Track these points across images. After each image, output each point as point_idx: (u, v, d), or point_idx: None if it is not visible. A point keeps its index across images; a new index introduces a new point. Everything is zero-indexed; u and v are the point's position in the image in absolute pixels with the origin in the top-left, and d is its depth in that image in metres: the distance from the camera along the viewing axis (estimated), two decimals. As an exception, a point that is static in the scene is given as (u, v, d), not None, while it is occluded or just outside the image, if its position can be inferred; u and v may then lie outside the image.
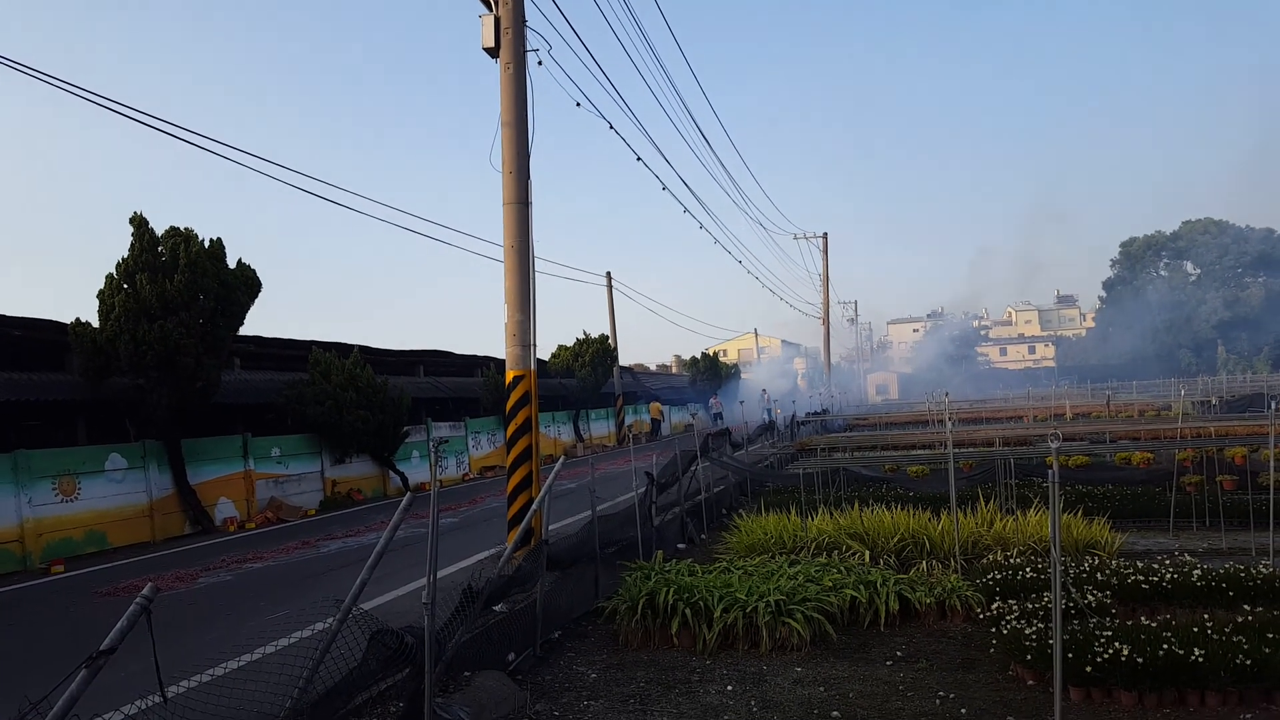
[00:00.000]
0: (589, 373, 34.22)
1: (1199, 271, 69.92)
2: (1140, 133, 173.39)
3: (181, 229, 15.13)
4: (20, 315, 15.33)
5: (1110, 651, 5.16)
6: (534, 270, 10.05)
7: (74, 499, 13.87)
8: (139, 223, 14.80)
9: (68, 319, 14.97)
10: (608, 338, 36.19)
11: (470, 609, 5.24)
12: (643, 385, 46.43)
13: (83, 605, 9.92)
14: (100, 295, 14.69)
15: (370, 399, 19.75)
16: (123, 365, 14.51)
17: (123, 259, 14.70)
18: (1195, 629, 5.43)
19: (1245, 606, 6.19)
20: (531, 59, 10.15)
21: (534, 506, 6.78)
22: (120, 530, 14.56)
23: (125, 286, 14.59)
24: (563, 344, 35.42)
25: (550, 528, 7.14)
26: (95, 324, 14.72)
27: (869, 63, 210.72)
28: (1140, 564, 7.25)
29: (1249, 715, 4.91)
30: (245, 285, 15.96)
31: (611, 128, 14.82)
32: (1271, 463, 9.32)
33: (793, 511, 10.30)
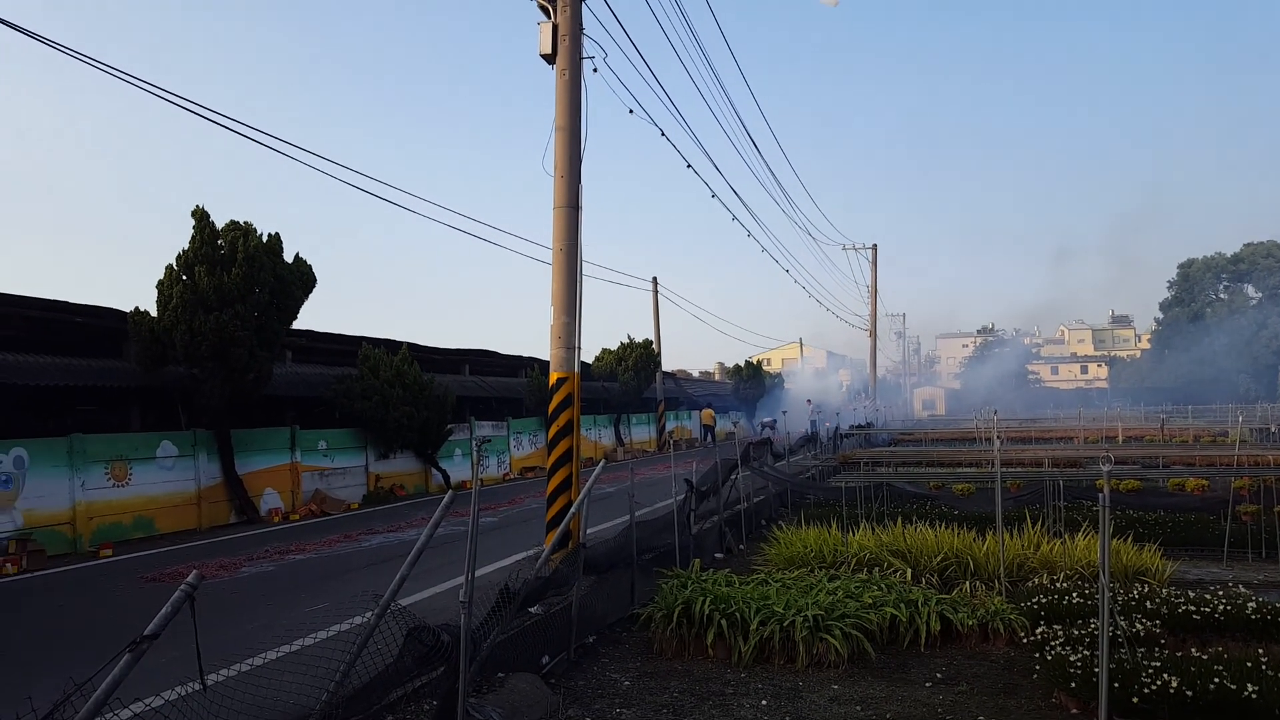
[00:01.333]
0: (631, 377, 34.25)
1: (1260, 295, 67.76)
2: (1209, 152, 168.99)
3: (241, 223, 15.48)
4: (81, 302, 15.83)
5: (1159, 683, 5.00)
6: (581, 274, 10.08)
7: (125, 484, 14.23)
8: (200, 216, 15.18)
9: (128, 308, 15.41)
10: (651, 343, 36.20)
11: (506, 610, 5.26)
12: (685, 391, 46.37)
13: (128, 590, 10.17)
14: (159, 285, 15.08)
15: (416, 396, 20.00)
16: (178, 354, 14.88)
17: (183, 251, 15.08)
18: (1249, 663, 5.23)
19: (1303, 643, 5.97)
20: (586, 65, 10.20)
21: (573, 509, 6.78)
22: (168, 517, 14.91)
23: (184, 278, 14.96)
24: (606, 347, 35.54)
25: (588, 531, 7.15)
26: (153, 313, 15.11)
27: (923, 82, 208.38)
28: (1192, 594, 7.02)
29: (1304, 756, 4.73)
30: (300, 280, 16.27)
31: (664, 135, 14.89)
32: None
33: (833, 525, 10.18)
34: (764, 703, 5.70)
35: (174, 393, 16.24)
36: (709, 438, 38.77)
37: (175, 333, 14.67)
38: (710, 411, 40.60)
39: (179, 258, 15.05)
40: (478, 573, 9.59)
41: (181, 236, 15.35)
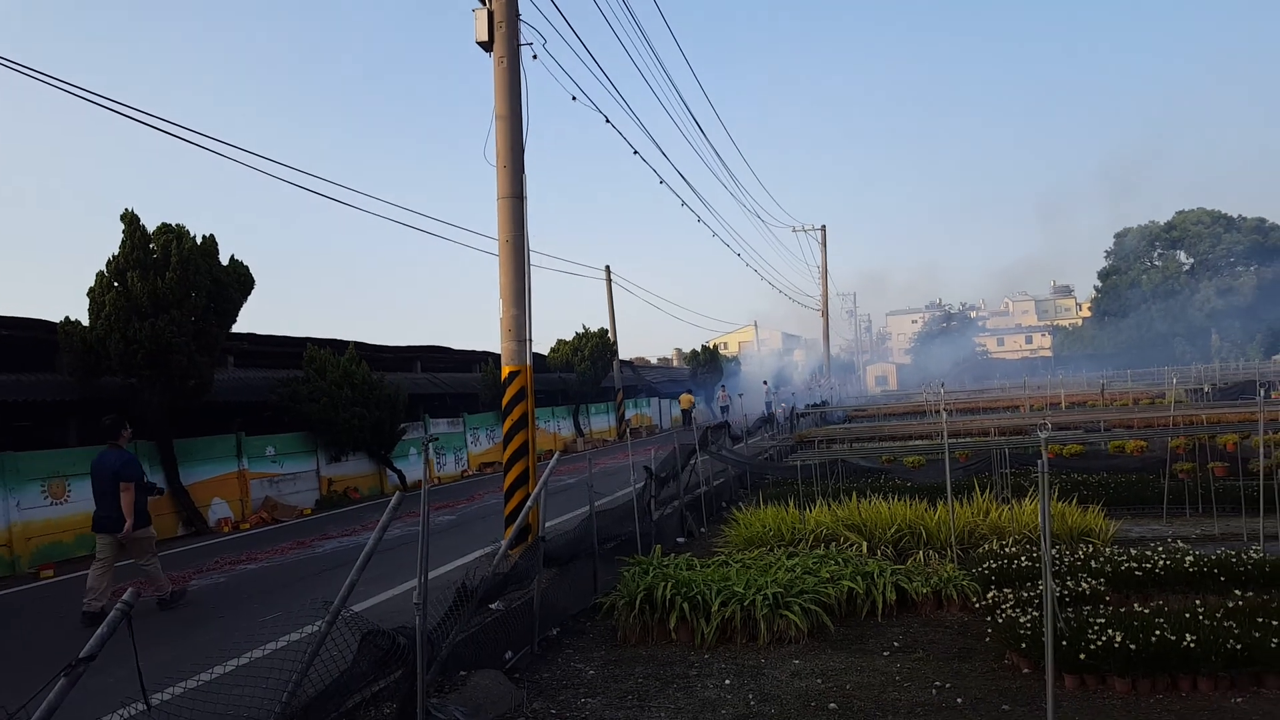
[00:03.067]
0: (588, 367, 34.16)
1: (1192, 261, 70.04)
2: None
3: (173, 226, 15.02)
4: (8, 315, 15.25)
5: (1104, 639, 5.17)
6: (529, 265, 9.99)
7: (64, 501, 13.78)
8: (130, 219, 14.70)
9: (57, 318, 14.90)
10: (607, 331, 36.13)
11: (465, 608, 5.21)
12: (643, 379, 46.43)
13: (71, 611, 9.83)
14: (90, 293, 14.58)
15: (366, 396, 19.68)
16: (113, 364, 14.42)
17: (113, 256, 14.58)
18: (1187, 615, 5.44)
19: (1236, 591, 6.20)
20: (526, 53, 10.07)
21: (529, 503, 6.74)
22: (115, 531, 14.48)
23: (116, 284, 14.48)
24: (562, 338, 35.35)
25: (548, 524, 7.11)
26: (85, 323, 14.62)
27: (863, 60, 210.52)
28: (1134, 551, 7.26)
29: (1239, 699, 4.92)
30: (238, 282, 15.87)
31: (608, 121, 14.75)
32: (1261, 449, 9.35)
33: (791, 504, 10.30)
34: (727, 681, 5.75)
35: (112, 404, 15.75)
36: (688, 421, 39.38)
37: (109, 342, 14.21)
38: (689, 396, 42.29)
39: (109, 263, 14.55)
40: (436, 572, 9.52)
41: (111, 242, 14.86)
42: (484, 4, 9.84)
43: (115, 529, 8.91)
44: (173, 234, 14.87)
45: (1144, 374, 43.79)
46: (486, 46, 9.89)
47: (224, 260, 15.69)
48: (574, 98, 13.28)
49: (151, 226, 14.90)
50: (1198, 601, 5.83)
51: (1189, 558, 6.89)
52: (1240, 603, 5.74)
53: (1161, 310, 67.80)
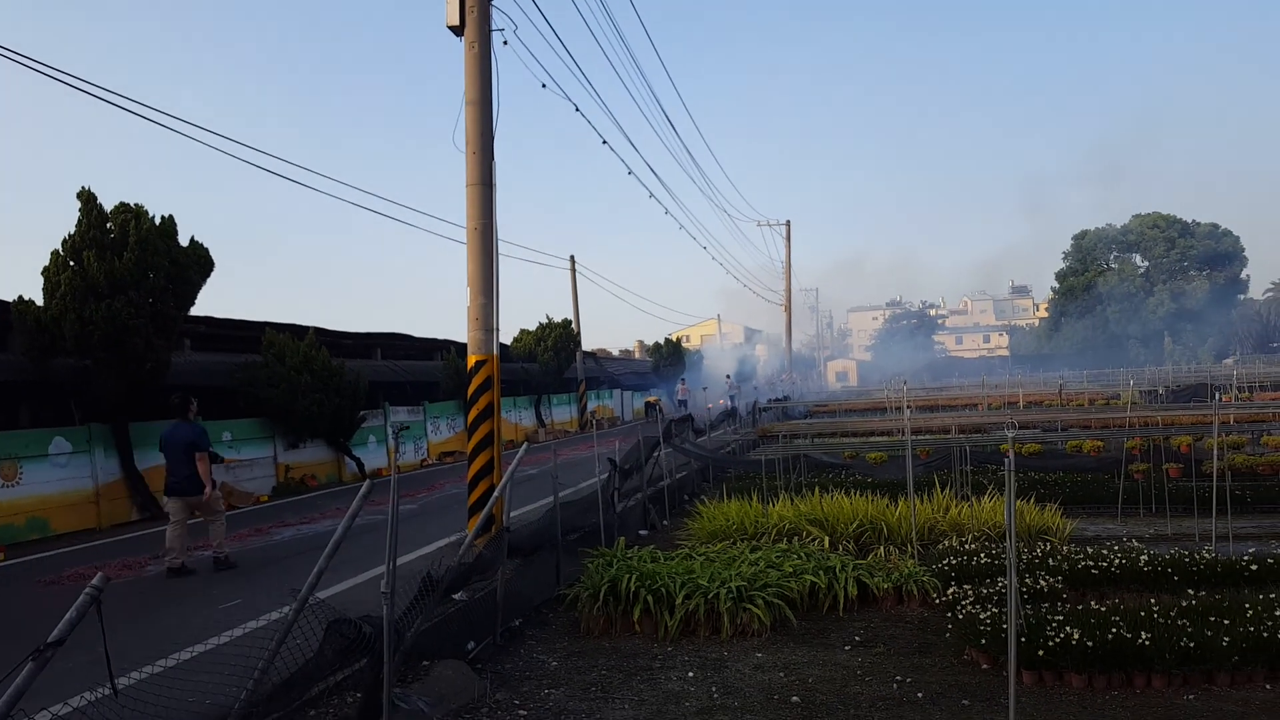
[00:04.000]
0: (551, 357, 34.06)
1: (1147, 264, 71.65)
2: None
3: (131, 205, 14.68)
4: (-41, 293, 14.81)
5: (1061, 636, 5.27)
6: (498, 253, 9.93)
7: (15, 484, 13.45)
8: (87, 198, 14.33)
9: (10, 296, 14.49)
10: (571, 322, 36.04)
11: (430, 597, 5.18)
12: (606, 370, 46.42)
13: (25, 594, 9.63)
14: (45, 272, 14.20)
15: (326, 382, 19.42)
16: (68, 345, 14.07)
17: (69, 235, 14.21)
18: (1142, 613, 5.57)
19: (1190, 591, 6.37)
20: (497, 38, 9.99)
21: (495, 494, 6.71)
22: (65, 516, 14.17)
23: (72, 264, 14.12)
24: (525, 328, 35.24)
25: (512, 514, 7.10)
26: (39, 302, 14.25)
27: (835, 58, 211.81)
28: (1090, 550, 7.42)
29: (1191, 696, 5.06)
30: (197, 264, 15.55)
31: (578, 110, 14.73)
32: (1215, 451, 9.59)
33: (754, 498, 10.36)
34: (690, 674, 5.78)
35: (66, 386, 15.37)
36: (652, 413, 39.87)
37: (64, 322, 13.85)
38: (656, 398, 44.53)
39: (65, 242, 14.18)
40: (400, 561, 9.43)
41: (67, 221, 14.50)
42: (456, -13, 9.74)
43: (186, 492, 9.85)
44: (131, 214, 14.53)
45: (1099, 375, 44.72)
46: (458, 31, 9.79)
47: (183, 241, 15.37)
48: (544, 85, 13.24)
49: (110, 206, 14.55)
50: (1152, 600, 5.97)
51: (1144, 557, 7.05)
52: (1193, 602, 5.87)
53: (1117, 313, 69.33)
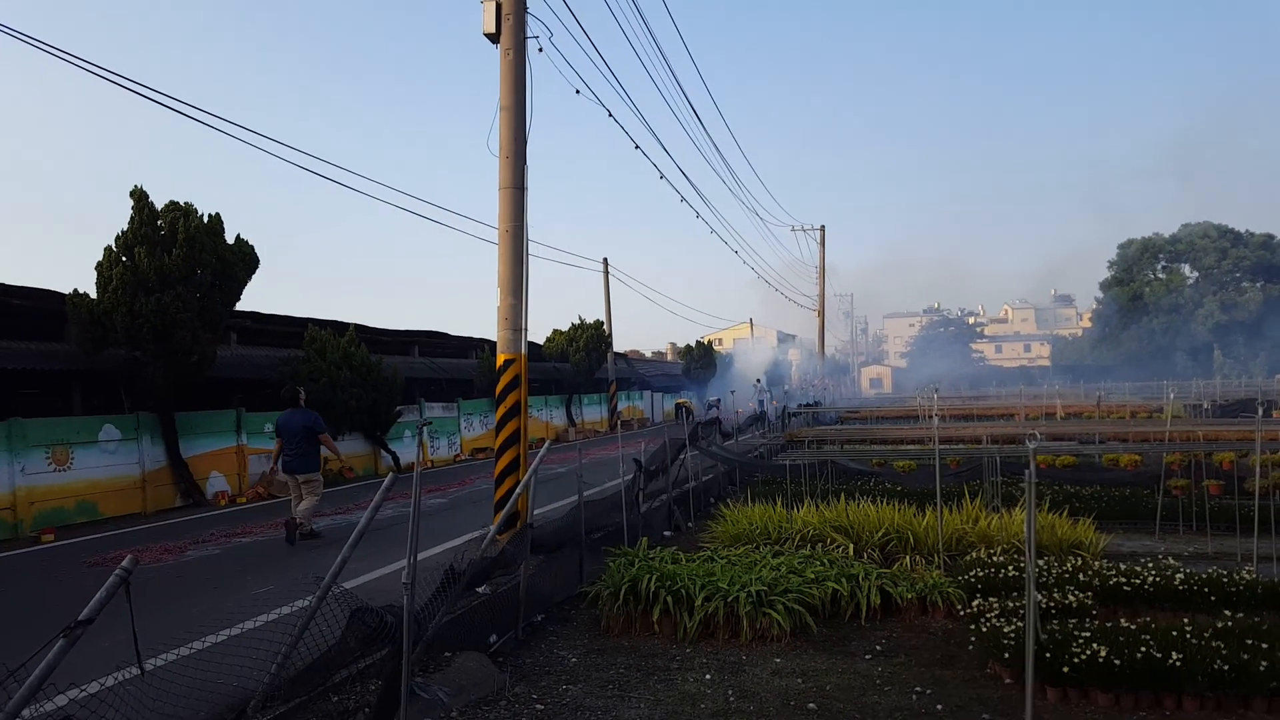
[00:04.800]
0: (583, 358, 34.22)
1: (1196, 275, 69.95)
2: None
3: (181, 204, 15.13)
4: (20, 284, 15.34)
5: (1088, 652, 5.16)
6: (528, 255, 10.04)
7: (67, 468, 13.88)
8: (139, 196, 14.79)
9: (67, 289, 15.00)
10: (603, 323, 36.18)
11: (452, 590, 5.28)
12: (636, 372, 46.55)
13: (71, 574, 9.95)
14: (99, 267, 14.69)
15: (364, 378, 19.76)
16: (119, 337, 14.52)
17: (122, 232, 14.70)
18: (1175, 632, 5.40)
19: (1226, 612, 6.16)
20: (531, 45, 10.11)
21: (519, 490, 6.80)
22: (112, 501, 14.59)
23: (124, 259, 14.59)
24: (558, 328, 35.45)
25: (536, 512, 7.18)
26: (93, 295, 14.73)
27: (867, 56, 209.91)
28: (1123, 566, 7.26)
29: (1223, 720, 4.94)
30: (243, 261, 15.95)
31: (610, 115, 14.80)
32: (1258, 469, 9.34)
33: (779, 503, 10.33)
34: (708, 676, 5.80)
35: (116, 376, 15.84)
36: (682, 415, 39.96)
37: (116, 315, 14.31)
38: (686, 400, 45.22)
39: (118, 239, 14.67)
40: (425, 554, 9.59)
41: (120, 217, 14.95)
42: (492, -5, 9.87)
43: (300, 469, 11.37)
44: (180, 212, 14.96)
45: (1143, 387, 43.81)
46: (494, 38, 9.92)
47: (230, 239, 15.76)
48: (578, 91, 13.31)
49: (160, 204, 14.99)
50: (1186, 620, 5.80)
51: (1179, 575, 6.87)
52: (1230, 623, 5.69)
53: (1164, 324, 67.78)
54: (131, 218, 14.70)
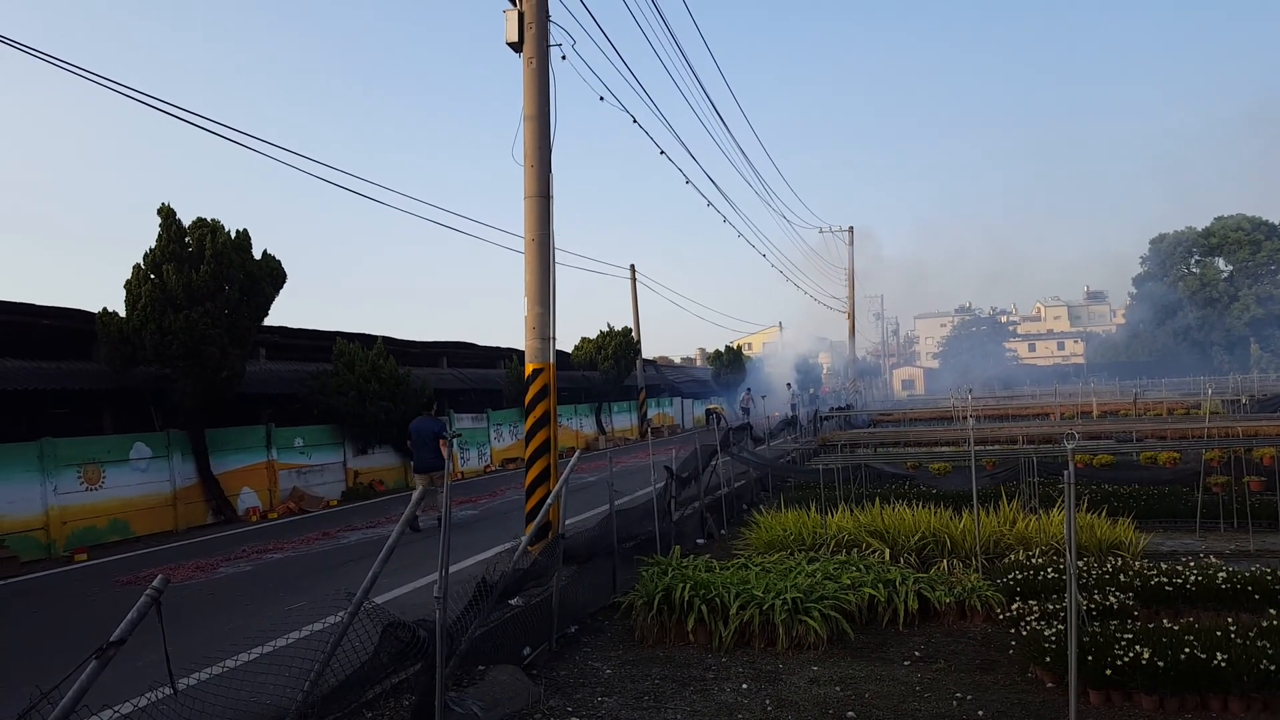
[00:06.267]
0: (611, 365, 34.20)
1: (1231, 268, 68.69)
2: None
3: (208, 220, 15.27)
4: (48, 305, 15.58)
5: (1131, 654, 5.07)
6: (554, 263, 10.02)
7: (98, 487, 14.06)
8: (166, 214, 14.96)
9: (96, 308, 15.19)
10: (631, 330, 36.16)
11: (484, 603, 5.24)
12: (666, 378, 46.47)
13: (104, 594, 10.05)
14: (127, 285, 14.86)
15: (393, 390, 19.87)
16: (148, 355, 14.68)
17: (150, 249, 14.86)
18: (1219, 633, 5.30)
19: (1271, 610, 6.03)
20: (555, 54, 10.09)
21: (550, 500, 6.77)
22: (144, 519, 14.75)
23: (152, 277, 14.75)
24: (586, 336, 35.44)
25: (568, 521, 7.14)
26: (122, 314, 14.90)
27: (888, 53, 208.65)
28: (1164, 565, 7.12)
29: (1273, 722, 4.81)
30: (270, 276, 16.08)
31: (635, 121, 14.80)
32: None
33: (812, 508, 10.23)
34: (744, 686, 5.73)
35: (146, 393, 16.04)
36: (713, 421, 39.82)
37: (145, 333, 14.47)
38: (717, 405, 45.00)
39: (146, 256, 14.83)
40: (457, 566, 9.58)
41: (148, 235, 15.16)
42: (514, 5, 9.88)
43: (430, 468, 12.96)
44: (207, 228, 15.11)
45: (1179, 383, 43.01)
46: (516, 47, 9.93)
47: (256, 254, 15.91)
48: (601, 98, 13.30)
49: (188, 220, 15.16)
50: (1230, 619, 5.69)
51: (1222, 574, 6.74)
52: (1276, 622, 5.58)
53: (1199, 318, 66.64)
54: (160, 235, 14.86)
